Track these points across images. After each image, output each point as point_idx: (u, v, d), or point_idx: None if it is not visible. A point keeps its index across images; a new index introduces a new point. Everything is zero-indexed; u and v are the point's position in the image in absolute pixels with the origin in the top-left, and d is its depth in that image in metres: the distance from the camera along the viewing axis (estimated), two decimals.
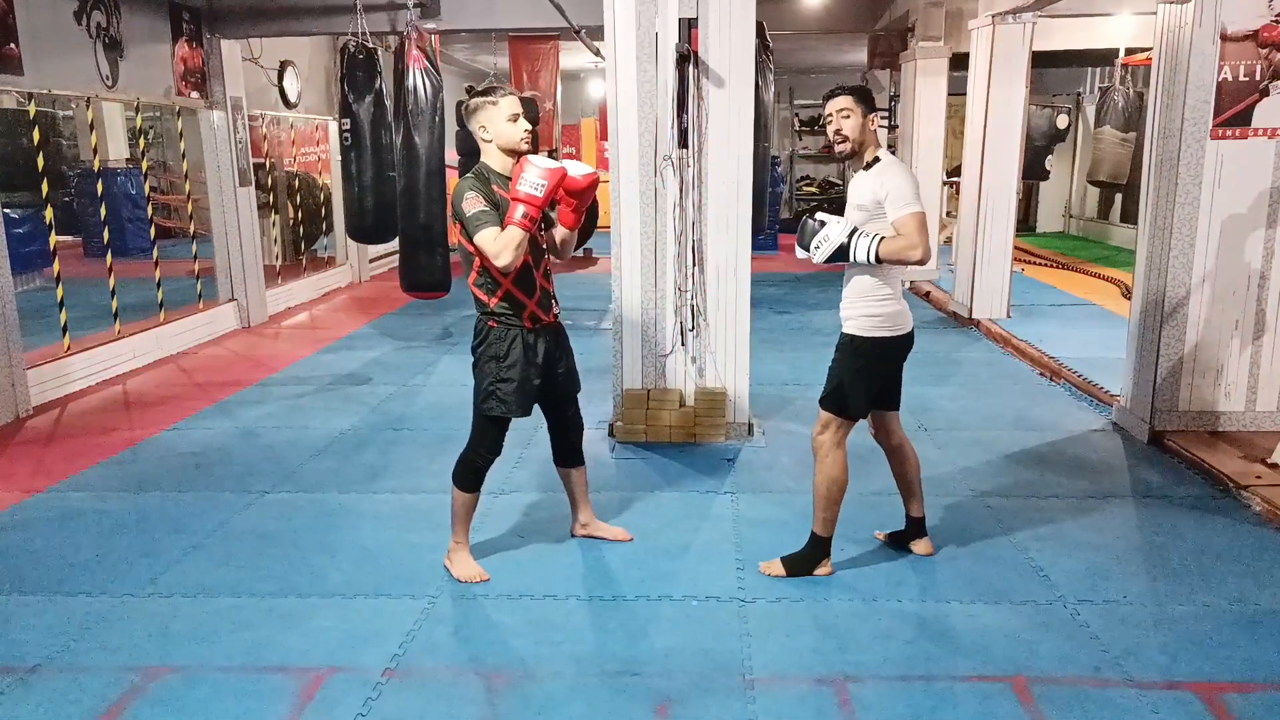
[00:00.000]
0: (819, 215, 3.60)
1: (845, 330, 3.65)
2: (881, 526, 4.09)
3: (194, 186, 8.76)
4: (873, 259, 3.41)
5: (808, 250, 3.58)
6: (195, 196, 8.80)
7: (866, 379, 3.62)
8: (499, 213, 3.38)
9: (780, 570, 3.76)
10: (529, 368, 3.58)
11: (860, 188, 3.55)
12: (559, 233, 3.68)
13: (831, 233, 3.50)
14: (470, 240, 3.42)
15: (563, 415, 3.88)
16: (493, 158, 3.50)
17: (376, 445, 5.45)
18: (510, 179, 3.42)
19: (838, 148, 3.57)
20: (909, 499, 3.93)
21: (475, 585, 3.69)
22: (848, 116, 3.51)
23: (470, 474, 3.70)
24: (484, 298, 3.56)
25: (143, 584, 3.75)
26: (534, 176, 3.30)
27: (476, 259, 3.50)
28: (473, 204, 3.38)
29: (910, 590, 3.66)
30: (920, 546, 3.93)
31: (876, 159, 3.53)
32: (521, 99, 3.55)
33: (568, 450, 3.97)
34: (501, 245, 3.31)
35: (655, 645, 3.28)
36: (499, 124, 3.44)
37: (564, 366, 3.76)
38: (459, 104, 4.14)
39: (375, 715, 2.90)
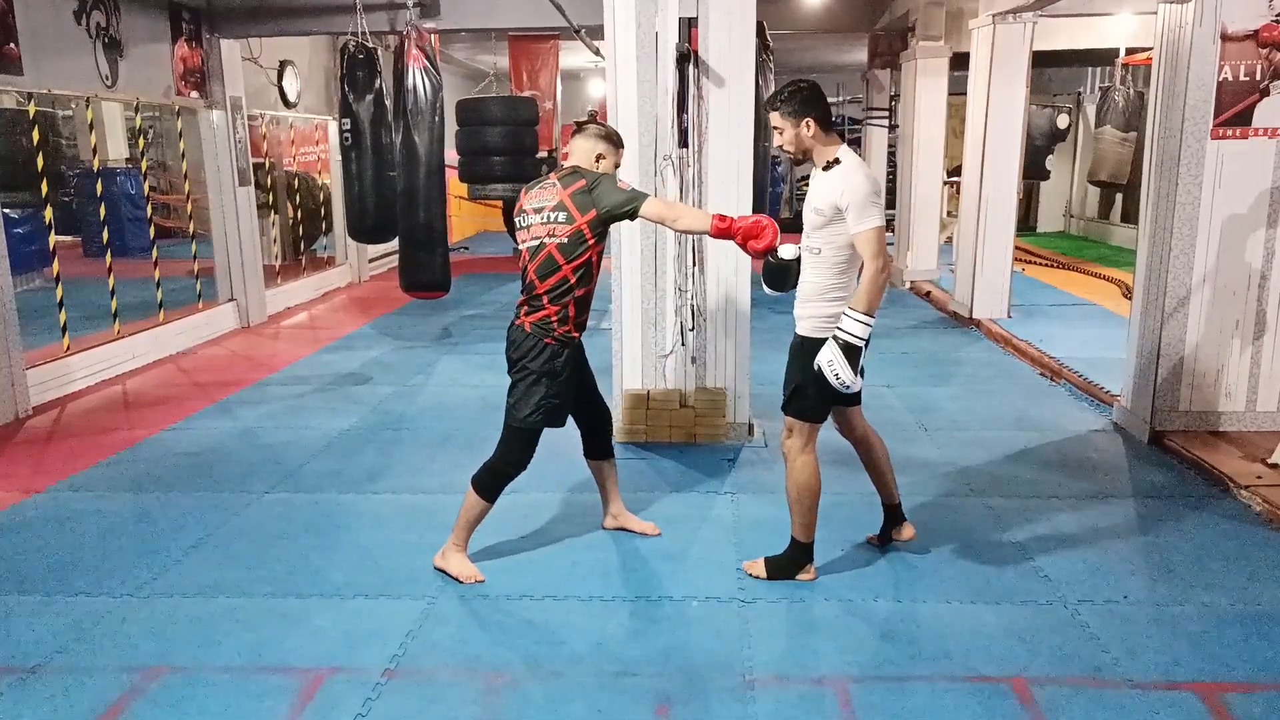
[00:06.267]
0: (781, 251, 3.49)
1: (798, 332, 3.55)
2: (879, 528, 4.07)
3: (194, 186, 8.75)
4: (867, 323, 3.31)
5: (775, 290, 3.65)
6: (195, 196, 8.80)
7: (824, 382, 3.45)
8: None
9: (761, 571, 3.73)
10: (573, 382, 3.70)
11: (819, 190, 3.42)
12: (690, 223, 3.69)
13: (844, 343, 3.33)
14: (632, 213, 3.48)
15: (587, 411, 3.95)
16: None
17: (376, 445, 5.45)
18: None
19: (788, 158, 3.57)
20: (882, 487, 3.90)
21: (475, 585, 3.69)
22: (780, 131, 3.45)
23: (495, 484, 3.71)
24: (549, 309, 3.55)
25: (143, 584, 3.75)
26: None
27: (564, 268, 3.50)
28: (624, 185, 3.56)
29: (910, 590, 3.66)
30: (904, 532, 3.91)
31: (836, 160, 3.39)
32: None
33: (597, 443, 4.03)
34: (680, 210, 3.77)
35: (655, 645, 3.28)
36: (616, 162, 3.73)
37: (588, 370, 3.88)
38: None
39: (375, 715, 2.90)
